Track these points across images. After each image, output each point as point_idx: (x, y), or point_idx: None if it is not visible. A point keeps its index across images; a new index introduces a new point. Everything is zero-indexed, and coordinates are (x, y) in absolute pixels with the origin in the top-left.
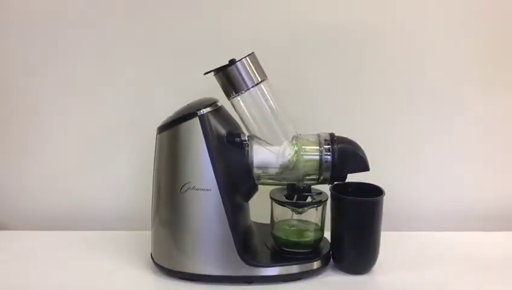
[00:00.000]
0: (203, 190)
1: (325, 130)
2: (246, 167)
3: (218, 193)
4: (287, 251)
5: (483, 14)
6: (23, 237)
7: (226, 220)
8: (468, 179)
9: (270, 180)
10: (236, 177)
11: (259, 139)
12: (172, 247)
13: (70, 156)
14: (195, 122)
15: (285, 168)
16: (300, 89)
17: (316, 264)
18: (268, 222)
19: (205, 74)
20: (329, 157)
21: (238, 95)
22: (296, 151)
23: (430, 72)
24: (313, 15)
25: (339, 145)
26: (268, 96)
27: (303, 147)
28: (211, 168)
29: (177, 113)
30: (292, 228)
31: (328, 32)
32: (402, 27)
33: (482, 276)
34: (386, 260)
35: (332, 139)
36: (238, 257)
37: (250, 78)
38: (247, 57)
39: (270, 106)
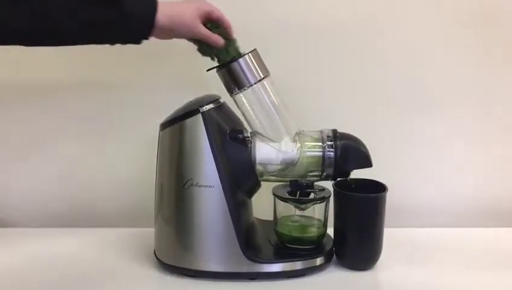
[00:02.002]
0: (206, 186)
1: (328, 126)
2: (249, 163)
3: (221, 189)
4: (290, 247)
5: (484, 15)
6: (27, 234)
7: (229, 217)
8: (471, 176)
9: (273, 177)
10: (239, 173)
11: (262, 135)
12: (175, 243)
13: (73, 153)
14: (198, 118)
15: (288, 164)
16: (303, 86)
17: (319, 261)
18: (271, 218)
19: (208, 70)
20: (332, 153)
21: (241, 91)
22: (298, 148)
23: (431, 70)
24: (314, 12)
25: (341, 142)
26: (271, 93)
27: (306, 143)
28: (214, 164)
29: (179, 110)
30: (295, 224)
31: (330, 28)
32: (403, 27)
33: (485, 272)
34: (389, 257)
35: (335, 136)
36: (241, 253)
37: (253, 74)
38: (249, 54)
39: (272, 102)
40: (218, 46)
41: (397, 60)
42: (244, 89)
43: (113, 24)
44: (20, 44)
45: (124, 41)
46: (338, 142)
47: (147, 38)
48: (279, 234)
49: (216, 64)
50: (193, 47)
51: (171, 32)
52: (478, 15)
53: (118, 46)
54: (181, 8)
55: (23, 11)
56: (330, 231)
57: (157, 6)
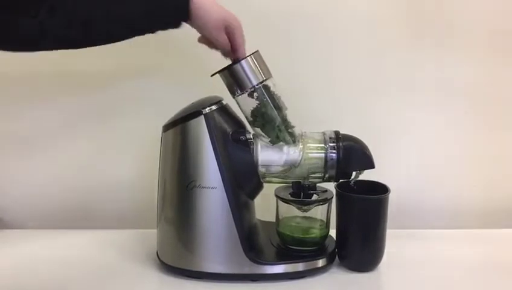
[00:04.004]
0: (208, 187)
1: (330, 128)
2: (251, 165)
3: (224, 190)
4: (292, 248)
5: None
6: (27, 235)
7: (232, 218)
8: (473, 177)
9: (275, 178)
10: (242, 175)
11: (264, 137)
12: (178, 245)
13: (74, 154)
14: (201, 120)
15: (290, 166)
16: (304, 87)
17: (321, 262)
18: (274, 220)
19: (212, 75)
20: (334, 155)
21: (243, 93)
22: (301, 149)
23: (433, 72)
24: (315, 12)
25: (344, 143)
26: (273, 94)
27: (308, 144)
28: (216, 166)
29: (182, 111)
30: (297, 225)
31: (330, 29)
32: (403, 26)
33: (488, 273)
34: (391, 258)
35: (338, 137)
36: (243, 254)
37: (255, 76)
38: (252, 55)
39: (274, 104)
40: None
41: (398, 59)
42: (247, 91)
43: (151, 14)
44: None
45: (165, 27)
46: (340, 144)
47: (184, 20)
48: (281, 235)
49: (218, 67)
50: (196, 49)
51: (196, 27)
52: None
53: (118, 45)
54: (211, 9)
55: (67, 20)
56: (332, 233)
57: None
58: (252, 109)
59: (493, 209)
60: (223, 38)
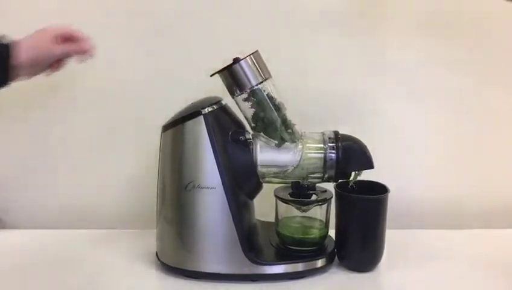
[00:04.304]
0: (207, 188)
1: (329, 128)
2: (251, 165)
3: (223, 191)
4: (291, 248)
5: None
6: (27, 235)
7: (231, 218)
8: (474, 177)
9: (275, 179)
10: (241, 175)
11: (264, 137)
12: (177, 245)
13: (75, 155)
14: (200, 120)
15: (289, 166)
16: (304, 87)
17: (320, 262)
18: (273, 220)
19: (212, 75)
20: (333, 155)
21: (243, 93)
22: (300, 149)
23: (435, 71)
24: (315, 11)
25: (343, 143)
26: (273, 95)
27: (307, 145)
28: (216, 166)
29: (181, 112)
30: (297, 225)
31: (330, 29)
32: (411, 27)
33: (488, 273)
34: (391, 258)
35: (337, 137)
36: (242, 254)
37: (255, 76)
38: (251, 55)
39: (274, 105)
40: (83, 51)
41: (398, 60)
42: (246, 91)
43: None
44: None
45: None
46: (339, 144)
47: (7, 81)
48: (280, 236)
49: (218, 67)
50: (195, 49)
51: (36, 63)
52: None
53: (118, 46)
54: (35, 37)
55: None
56: (332, 233)
57: (9, 47)
58: (252, 113)
59: (493, 209)
60: (63, 47)
